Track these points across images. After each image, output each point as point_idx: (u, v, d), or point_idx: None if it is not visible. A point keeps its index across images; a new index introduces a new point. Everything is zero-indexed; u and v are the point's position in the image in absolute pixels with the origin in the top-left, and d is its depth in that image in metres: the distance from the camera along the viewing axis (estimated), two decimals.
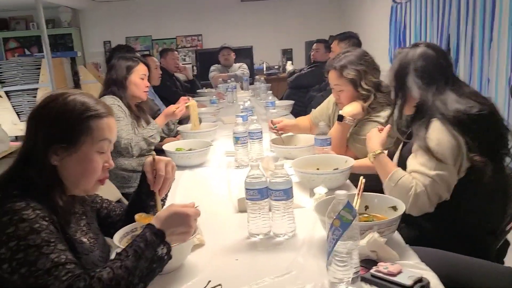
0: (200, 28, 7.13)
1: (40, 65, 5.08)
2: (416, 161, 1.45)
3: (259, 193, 1.32)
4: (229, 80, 4.26)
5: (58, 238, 0.97)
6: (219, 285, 1.08)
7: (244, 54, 5.78)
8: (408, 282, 1.01)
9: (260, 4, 6.97)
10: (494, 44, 3.73)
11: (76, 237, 1.12)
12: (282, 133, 2.31)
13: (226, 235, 1.39)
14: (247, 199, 1.34)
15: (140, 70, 2.48)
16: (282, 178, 1.31)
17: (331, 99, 2.38)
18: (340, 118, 2.04)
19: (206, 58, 5.88)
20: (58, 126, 1.06)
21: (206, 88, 4.93)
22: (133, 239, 1.03)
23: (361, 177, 1.39)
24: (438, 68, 1.52)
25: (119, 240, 1.20)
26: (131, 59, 2.49)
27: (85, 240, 1.14)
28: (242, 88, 4.68)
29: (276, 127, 2.30)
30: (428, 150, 1.41)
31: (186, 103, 2.64)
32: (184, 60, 7.23)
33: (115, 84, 2.43)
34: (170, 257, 1.05)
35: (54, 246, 0.94)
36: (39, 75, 5.09)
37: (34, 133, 1.07)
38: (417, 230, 1.50)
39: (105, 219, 1.31)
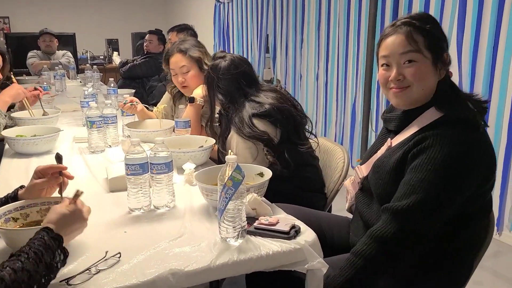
0: (7, 10, 6.29)
1: None
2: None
3: (141, 168, 1.37)
4: (57, 67, 3.94)
5: None
6: (118, 253, 1.11)
7: (66, 41, 5.35)
8: (286, 228, 1.22)
9: None
10: (304, 44, 4.37)
11: None
12: (133, 104, 2.35)
13: (104, 214, 1.38)
14: (128, 174, 1.37)
15: None
16: (163, 152, 1.39)
17: (166, 95, 2.59)
18: (192, 100, 2.24)
19: (19, 43, 5.26)
20: None
21: (23, 75, 4.44)
22: (29, 241, 0.97)
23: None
24: (237, 88, 1.84)
25: None
26: None
27: None
28: (68, 77, 4.37)
29: (126, 101, 2.35)
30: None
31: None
32: None
33: None
34: (65, 264, 1.02)
35: None
36: None
37: None
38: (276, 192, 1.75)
39: None
